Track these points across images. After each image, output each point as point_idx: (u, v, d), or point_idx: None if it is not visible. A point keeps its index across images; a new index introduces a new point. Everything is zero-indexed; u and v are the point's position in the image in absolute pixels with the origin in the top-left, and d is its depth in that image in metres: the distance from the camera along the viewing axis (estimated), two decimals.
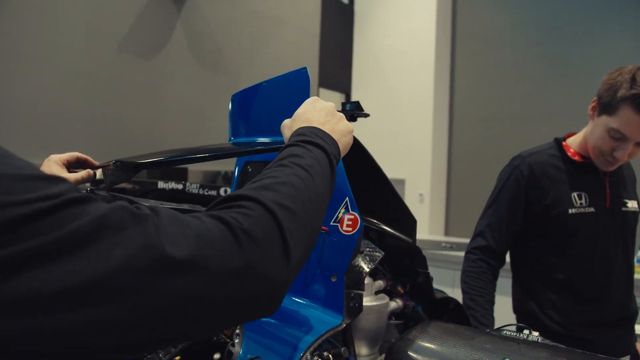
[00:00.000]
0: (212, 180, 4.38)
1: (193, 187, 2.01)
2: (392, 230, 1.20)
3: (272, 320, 0.95)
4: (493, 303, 1.68)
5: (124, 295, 0.46)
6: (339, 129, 0.88)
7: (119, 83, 3.81)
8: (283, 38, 5.19)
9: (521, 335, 1.02)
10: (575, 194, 1.65)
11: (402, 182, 5.07)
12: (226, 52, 4.64)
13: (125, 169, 1.25)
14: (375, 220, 1.22)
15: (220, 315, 0.55)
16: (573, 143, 1.72)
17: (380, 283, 1.15)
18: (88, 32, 3.60)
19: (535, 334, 1.03)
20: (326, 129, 0.85)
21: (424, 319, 1.23)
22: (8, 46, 3.13)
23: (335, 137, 0.85)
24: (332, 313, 0.96)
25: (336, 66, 5.80)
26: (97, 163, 1.32)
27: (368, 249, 1.02)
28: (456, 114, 5.28)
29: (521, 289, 1.78)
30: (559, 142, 1.74)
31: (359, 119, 1.16)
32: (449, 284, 2.81)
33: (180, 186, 2.03)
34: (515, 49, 4.74)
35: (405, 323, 1.25)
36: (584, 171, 1.68)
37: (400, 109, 5.23)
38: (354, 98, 5.49)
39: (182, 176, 3.84)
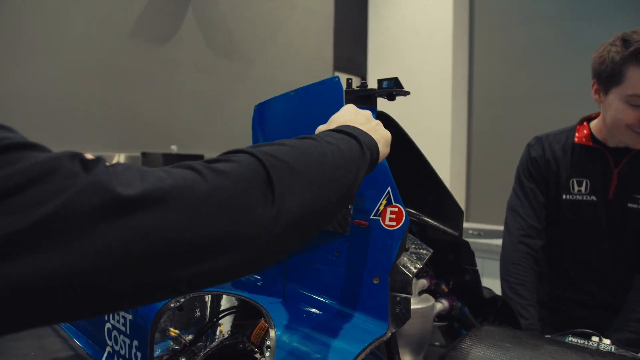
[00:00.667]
0: None
1: None
2: (435, 223, 1.07)
3: (308, 330, 0.83)
4: (535, 291, 1.56)
5: (71, 240, 0.40)
6: (378, 133, 0.81)
7: (131, 72, 3.75)
8: (296, 22, 5.06)
9: (591, 343, 0.90)
10: (575, 180, 1.56)
11: None
12: (238, 39, 4.54)
13: None
14: (415, 212, 1.09)
15: (190, 260, 0.47)
16: (592, 124, 1.59)
17: (423, 282, 1.02)
18: (98, 21, 3.53)
19: (607, 342, 0.90)
20: (364, 129, 0.78)
21: (470, 320, 1.11)
22: (20, 38, 3.10)
23: (374, 137, 0.78)
24: (375, 320, 0.84)
25: (351, 48, 5.64)
26: None
27: (414, 246, 0.89)
28: (476, 94, 5.10)
29: None
30: (581, 123, 1.63)
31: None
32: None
33: None
34: (537, 23, 4.52)
35: (450, 325, 1.13)
36: (593, 157, 1.55)
37: (418, 90, 5.05)
38: (370, 80, 5.33)
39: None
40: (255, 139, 1.14)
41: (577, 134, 1.59)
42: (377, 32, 5.60)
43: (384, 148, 0.81)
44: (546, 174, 1.61)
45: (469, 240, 2.74)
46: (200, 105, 4.24)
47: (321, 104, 0.96)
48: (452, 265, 1.09)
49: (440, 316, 1.10)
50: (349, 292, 0.88)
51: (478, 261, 2.62)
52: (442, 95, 4.96)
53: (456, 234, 1.06)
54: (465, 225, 4.08)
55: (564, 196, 1.57)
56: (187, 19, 4.12)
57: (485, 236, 2.72)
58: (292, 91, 1.03)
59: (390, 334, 0.82)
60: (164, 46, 3.97)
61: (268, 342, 0.81)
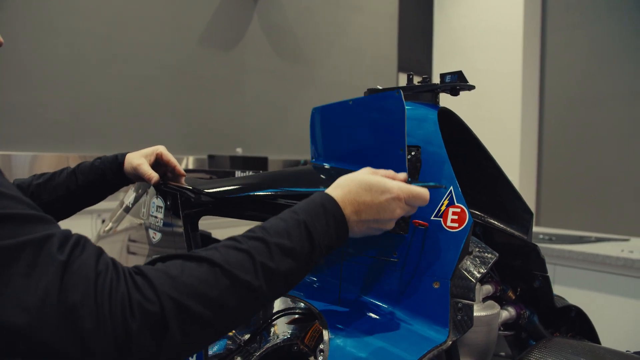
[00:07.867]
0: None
1: None
2: (502, 225, 1.01)
3: (363, 334, 0.80)
4: None
5: None
6: (366, 217, 0.73)
7: (199, 77, 3.88)
8: (360, 24, 5.04)
9: None
10: None
11: None
12: (304, 43, 4.58)
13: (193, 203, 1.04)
14: (480, 213, 1.03)
15: None
16: None
17: (488, 288, 0.96)
18: (170, 29, 3.70)
19: None
20: (349, 210, 0.71)
21: (540, 331, 1.04)
22: (97, 48, 3.33)
23: (353, 226, 0.72)
24: (434, 327, 0.79)
25: (416, 49, 5.55)
26: (178, 166, 1.14)
27: (478, 249, 0.84)
28: (547, 95, 4.88)
29: None
30: None
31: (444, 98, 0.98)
32: None
33: None
34: (614, 19, 4.26)
35: (517, 335, 1.06)
36: None
37: (486, 92, 4.91)
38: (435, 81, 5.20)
39: (262, 165, 3.82)
40: (315, 147, 1.11)
41: None
42: (443, 32, 5.48)
43: (359, 231, 0.73)
44: None
45: (539, 245, 2.59)
46: (266, 108, 4.30)
47: (379, 118, 0.91)
48: (520, 271, 1.02)
49: (506, 325, 1.03)
50: (407, 296, 0.84)
51: (549, 268, 2.47)
52: (511, 96, 4.79)
53: (524, 237, 0.99)
54: (536, 229, 3.89)
55: None
56: (253, 25, 4.19)
57: (557, 241, 2.57)
58: (350, 100, 0.98)
59: (450, 343, 0.77)
60: (230, 51, 4.07)
61: (322, 346, 0.78)
